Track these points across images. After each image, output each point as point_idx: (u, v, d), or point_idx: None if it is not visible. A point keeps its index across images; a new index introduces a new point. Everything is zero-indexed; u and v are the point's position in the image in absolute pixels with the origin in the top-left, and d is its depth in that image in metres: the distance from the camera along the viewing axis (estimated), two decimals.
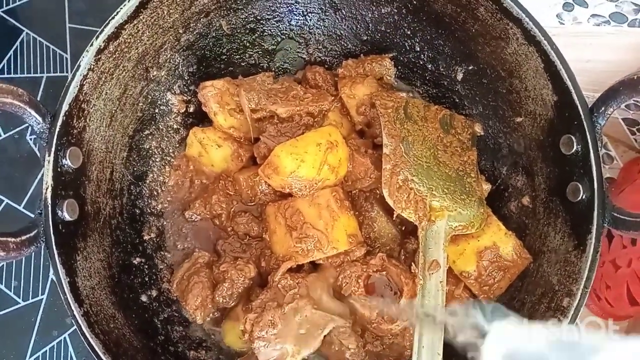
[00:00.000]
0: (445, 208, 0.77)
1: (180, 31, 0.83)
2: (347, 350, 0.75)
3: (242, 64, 0.93)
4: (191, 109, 0.91)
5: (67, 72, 1.07)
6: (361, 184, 0.82)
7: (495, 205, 0.84)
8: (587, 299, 0.67)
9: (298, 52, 0.95)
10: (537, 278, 0.76)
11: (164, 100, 0.87)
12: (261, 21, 0.91)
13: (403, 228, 0.85)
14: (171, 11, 0.78)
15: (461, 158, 0.82)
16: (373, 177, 0.80)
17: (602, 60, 1.03)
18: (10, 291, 0.95)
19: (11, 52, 1.07)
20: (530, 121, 0.78)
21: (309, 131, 0.81)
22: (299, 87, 0.87)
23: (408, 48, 0.90)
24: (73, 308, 0.65)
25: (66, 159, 0.68)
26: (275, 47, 0.94)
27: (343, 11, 0.90)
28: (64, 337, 0.93)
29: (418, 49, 0.90)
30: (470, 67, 0.86)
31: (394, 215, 0.79)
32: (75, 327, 0.65)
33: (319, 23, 0.93)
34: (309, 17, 0.92)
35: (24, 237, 0.63)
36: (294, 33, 0.93)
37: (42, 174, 0.66)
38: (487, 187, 0.85)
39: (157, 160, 0.89)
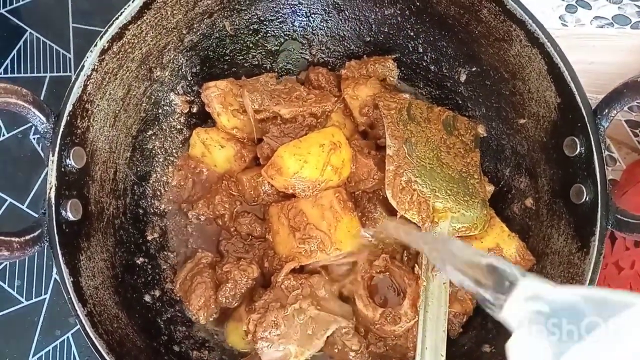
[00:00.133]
0: (448, 209, 0.77)
1: (184, 32, 0.83)
2: (350, 351, 0.75)
3: (245, 64, 0.93)
4: (194, 110, 0.91)
5: (70, 71, 1.07)
6: (364, 185, 0.82)
7: (498, 207, 0.84)
8: None
9: (301, 53, 0.96)
10: None
11: (168, 101, 0.88)
12: (264, 22, 0.91)
13: None
14: (175, 12, 0.78)
15: (464, 159, 0.82)
16: (376, 178, 0.80)
17: (605, 62, 1.04)
18: (14, 290, 0.95)
19: (15, 51, 1.08)
20: (534, 123, 0.78)
21: (312, 132, 0.81)
22: (302, 88, 0.87)
23: (411, 49, 0.90)
24: (77, 308, 0.65)
25: (70, 159, 0.68)
26: (278, 48, 0.94)
27: (346, 12, 0.90)
28: (67, 337, 0.93)
29: (421, 50, 0.90)
30: (473, 69, 0.86)
31: (397, 217, 0.79)
32: (78, 326, 0.65)
33: (322, 24, 0.93)
34: (312, 18, 0.92)
35: (27, 237, 0.63)
36: (297, 34, 0.94)
37: (46, 174, 0.66)
38: (490, 188, 0.85)
39: (161, 160, 0.89)
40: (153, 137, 0.87)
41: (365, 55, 0.93)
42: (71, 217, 0.67)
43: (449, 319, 0.75)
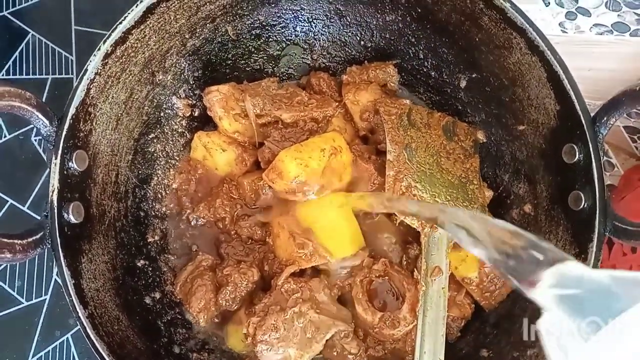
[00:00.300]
0: None
1: (187, 36, 0.83)
2: (349, 355, 0.76)
3: (247, 69, 0.94)
4: (196, 113, 0.91)
5: (72, 74, 1.07)
6: (364, 190, 0.82)
7: (497, 212, 0.85)
8: None
9: (303, 58, 0.96)
10: None
11: (170, 104, 0.88)
12: (266, 27, 0.91)
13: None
14: (178, 16, 0.79)
15: (464, 165, 0.83)
16: (376, 183, 0.81)
17: (604, 69, 1.04)
18: (14, 291, 0.95)
19: (17, 53, 1.08)
20: (533, 130, 0.79)
21: (313, 137, 0.82)
22: (303, 92, 0.88)
23: (412, 55, 0.91)
24: (78, 310, 0.65)
25: (72, 162, 0.69)
26: (280, 52, 0.95)
27: (348, 18, 0.91)
28: (67, 338, 0.93)
29: (422, 56, 0.90)
30: (473, 75, 0.86)
31: (397, 222, 0.80)
32: (78, 327, 0.66)
33: (323, 29, 0.93)
34: (314, 23, 0.92)
35: (30, 240, 0.63)
36: (299, 39, 0.94)
37: (47, 175, 0.67)
38: (489, 194, 0.85)
39: (162, 163, 0.89)
40: (155, 140, 0.88)
41: (366, 61, 0.93)
42: (73, 220, 0.68)
43: (447, 323, 0.75)
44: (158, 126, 0.88)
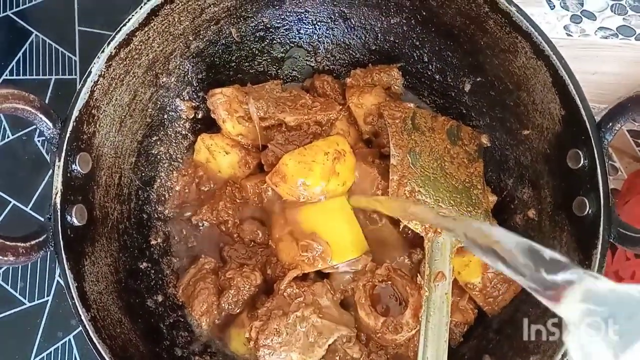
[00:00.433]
0: None
1: (191, 38, 0.83)
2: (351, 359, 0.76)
3: (251, 71, 0.94)
4: (199, 115, 0.91)
5: (75, 74, 1.07)
6: (368, 194, 0.82)
7: (500, 218, 0.85)
8: None
9: (306, 60, 0.96)
10: None
11: (173, 107, 0.88)
12: (270, 29, 0.91)
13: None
14: (182, 19, 0.79)
15: (468, 169, 0.83)
16: (380, 187, 0.81)
17: (609, 72, 1.04)
18: (16, 292, 0.95)
19: (20, 53, 1.08)
20: (537, 134, 0.79)
21: (317, 140, 0.81)
22: (307, 95, 0.87)
23: (416, 58, 0.91)
24: (80, 313, 0.65)
25: (76, 165, 0.69)
26: (284, 55, 0.95)
27: (352, 21, 0.91)
28: (69, 339, 0.93)
29: (426, 59, 0.90)
30: (478, 79, 0.86)
31: (401, 226, 0.79)
32: (80, 329, 0.66)
33: (328, 32, 0.93)
34: (319, 26, 0.92)
35: (33, 242, 0.63)
36: (303, 41, 0.94)
37: (50, 176, 0.67)
38: (493, 199, 0.85)
39: (165, 165, 0.89)
40: (158, 143, 0.88)
41: (370, 64, 0.93)
42: (76, 223, 0.68)
43: (450, 329, 0.75)
44: (161, 128, 0.87)
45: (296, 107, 0.84)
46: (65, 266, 0.65)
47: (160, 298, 0.83)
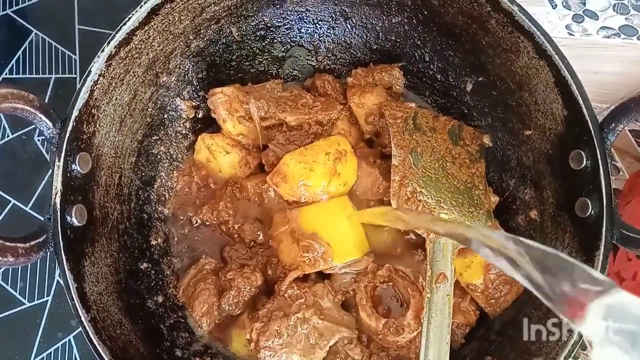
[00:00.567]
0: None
1: (191, 37, 0.83)
2: None
3: (252, 70, 0.93)
4: (200, 115, 0.91)
5: (75, 73, 1.07)
6: (369, 195, 0.82)
7: (502, 218, 0.84)
8: None
9: (307, 59, 0.96)
10: None
11: (173, 106, 0.88)
12: (271, 28, 0.91)
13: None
14: (182, 18, 0.78)
15: (469, 170, 0.82)
16: (381, 188, 0.80)
17: (610, 72, 1.04)
18: (16, 292, 0.95)
19: (20, 52, 1.07)
20: (540, 135, 0.78)
21: (318, 140, 0.81)
22: (308, 95, 0.87)
23: (418, 58, 0.90)
24: (81, 314, 0.65)
25: (75, 164, 0.68)
26: (284, 54, 0.94)
27: (353, 20, 0.90)
28: (69, 339, 0.93)
29: (428, 59, 0.90)
30: (479, 79, 0.86)
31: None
32: (80, 329, 0.66)
33: (329, 31, 0.93)
34: (320, 25, 0.92)
35: (32, 243, 0.63)
36: (304, 40, 0.94)
37: (50, 175, 0.66)
38: (495, 199, 0.85)
39: (165, 165, 0.89)
40: (158, 142, 0.87)
41: (371, 63, 0.93)
42: (76, 223, 0.67)
43: (451, 330, 0.74)
44: (162, 128, 0.87)
45: (297, 107, 0.84)
46: (65, 267, 0.64)
47: (160, 299, 0.82)
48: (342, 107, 0.87)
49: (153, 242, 0.85)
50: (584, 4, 1.06)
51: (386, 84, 0.90)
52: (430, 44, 0.88)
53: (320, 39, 0.94)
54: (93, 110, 0.71)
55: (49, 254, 0.65)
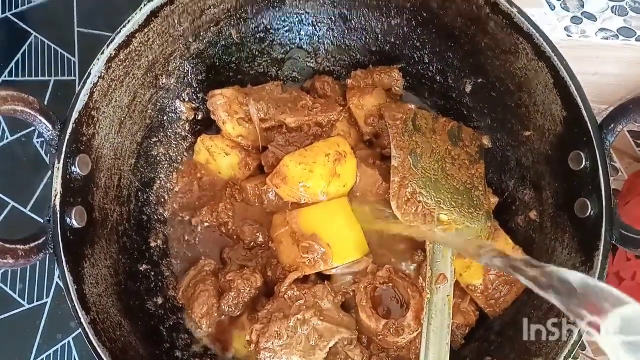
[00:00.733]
0: (453, 221, 0.77)
1: (191, 40, 0.83)
2: None
3: (251, 72, 0.93)
4: (199, 117, 0.91)
5: (74, 76, 1.07)
6: (369, 196, 0.82)
7: (502, 219, 0.85)
8: None
9: (307, 61, 0.96)
10: None
11: (173, 108, 0.88)
12: (271, 30, 0.91)
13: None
14: (182, 20, 0.79)
15: (469, 171, 0.83)
16: (381, 189, 0.80)
17: (609, 73, 1.04)
18: (15, 294, 0.95)
19: (19, 55, 1.08)
20: (539, 136, 0.78)
21: (318, 141, 0.81)
22: (308, 97, 0.87)
23: (417, 60, 0.91)
24: (80, 316, 0.65)
25: (75, 167, 0.68)
26: (284, 56, 0.95)
27: (353, 22, 0.91)
28: (68, 341, 0.93)
29: (427, 60, 0.90)
30: (479, 80, 0.86)
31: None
32: (79, 331, 0.65)
33: (328, 33, 0.93)
34: (319, 27, 0.92)
35: (32, 245, 0.63)
36: (304, 43, 0.94)
37: (49, 177, 0.66)
38: (494, 200, 0.85)
39: (165, 167, 0.89)
40: (158, 144, 0.87)
41: (371, 65, 0.93)
42: (76, 225, 0.67)
43: (451, 331, 0.74)
44: (161, 130, 0.87)
45: (297, 109, 0.84)
46: (65, 269, 0.64)
47: (160, 300, 0.82)
48: (341, 108, 0.87)
49: (153, 244, 0.85)
50: (583, 5, 1.06)
51: (386, 86, 0.91)
52: (429, 45, 0.88)
53: (320, 41, 0.94)
54: (93, 113, 0.71)
55: (48, 256, 0.64)
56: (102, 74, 0.71)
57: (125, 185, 0.81)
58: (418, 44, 0.89)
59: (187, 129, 0.90)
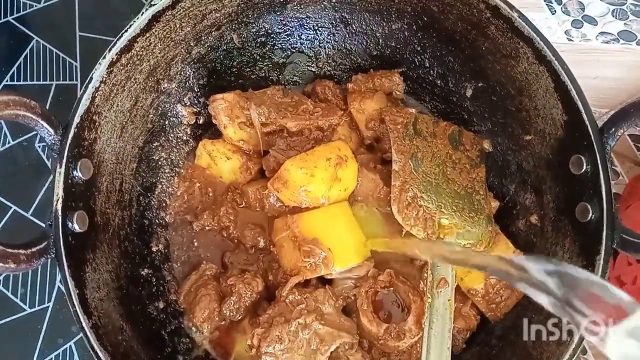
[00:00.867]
0: (454, 225, 0.77)
1: (192, 44, 0.83)
2: None
3: (252, 76, 0.94)
4: (201, 121, 0.91)
5: (76, 80, 1.07)
6: (370, 200, 0.82)
7: (503, 223, 0.85)
8: None
9: (308, 65, 0.96)
10: None
11: (174, 112, 0.88)
12: (272, 35, 0.91)
13: None
14: (183, 25, 0.79)
15: (470, 175, 0.83)
16: (382, 193, 0.81)
17: (609, 77, 1.04)
18: (17, 298, 0.95)
19: (21, 59, 1.08)
20: (540, 140, 0.78)
21: (319, 145, 0.81)
22: (309, 101, 0.87)
23: (418, 64, 0.91)
24: (82, 320, 0.64)
25: (77, 171, 0.68)
26: (285, 60, 0.95)
27: (353, 26, 0.91)
28: (70, 345, 0.92)
29: (428, 64, 0.90)
30: (479, 84, 0.86)
31: (403, 232, 0.79)
32: (81, 335, 0.65)
33: (329, 37, 0.93)
34: (320, 31, 0.92)
35: (34, 249, 0.63)
36: (305, 47, 0.94)
37: (50, 182, 0.66)
38: (495, 204, 0.85)
39: (166, 171, 0.89)
40: (159, 148, 0.87)
41: (371, 69, 0.93)
42: (77, 229, 0.67)
43: (452, 335, 0.74)
44: (162, 134, 0.87)
45: (298, 113, 0.84)
46: (67, 273, 0.64)
47: (161, 305, 0.82)
48: (342, 112, 0.87)
49: (154, 248, 0.85)
50: (583, 9, 1.06)
51: (386, 90, 0.91)
52: (430, 50, 0.88)
53: (321, 45, 0.94)
54: (94, 117, 0.71)
55: (49, 260, 0.64)
56: (104, 79, 0.71)
57: (127, 189, 0.81)
58: (419, 48, 0.89)
59: (189, 133, 0.90)
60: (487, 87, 0.85)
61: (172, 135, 0.89)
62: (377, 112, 0.87)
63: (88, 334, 0.65)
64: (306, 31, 0.92)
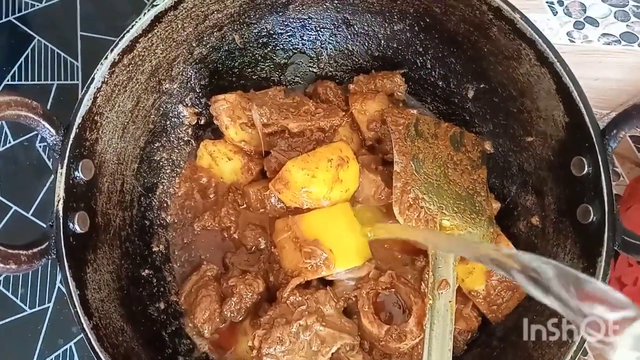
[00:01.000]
0: (455, 227, 0.77)
1: (194, 44, 0.83)
2: None
3: (254, 77, 0.94)
4: (202, 122, 0.91)
5: (77, 79, 1.07)
6: (371, 201, 0.82)
7: (504, 224, 0.85)
8: None
9: (309, 66, 0.96)
10: None
11: (176, 113, 0.88)
12: (274, 35, 0.91)
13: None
14: (185, 25, 0.79)
15: (471, 176, 0.83)
16: (383, 194, 0.81)
17: (611, 78, 1.04)
18: (17, 299, 0.94)
19: (22, 59, 1.08)
20: (541, 141, 0.78)
21: (320, 147, 0.81)
22: (310, 102, 0.87)
23: (419, 65, 0.91)
24: (83, 321, 0.64)
25: (78, 171, 0.68)
26: (286, 61, 0.95)
27: (355, 27, 0.91)
28: (70, 346, 0.92)
29: (429, 66, 0.90)
30: (481, 86, 0.86)
31: None
32: (81, 336, 0.65)
33: (331, 38, 0.93)
34: (322, 32, 0.92)
35: (35, 250, 0.63)
36: (306, 47, 0.94)
37: (51, 182, 0.66)
38: (496, 205, 0.85)
39: (167, 171, 0.89)
40: (160, 149, 0.87)
41: (373, 70, 0.93)
42: (78, 230, 0.67)
43: (453, 336, 0.74)
44: (164, 134, 0.87)
45: (299, 114, 0.84)
46: (68, 274, 0.64)
47: (162, 305, 0.82)
48: (344, 113, 0.87)
49: (155, 249, 0.85)
50: (585, 11, 1.06)
51: (388, 91, 0.91)
52: (432, 51, 0.88)
53: (322, 46, 0.94)
54: (96, 117, 0.71)
55: (50, 260, 0.64)
56: (106, 79, 0.71)
57: (128, 190, 0.81)
58: (420, 49, 0.89)
59: (190, 133, 0.90)
60: (489, 88, 0.85)
61: (173, 135, 0.89)
62: (378, 113, 0.86)
63: (89, 334, 0.65)
64: (308, 32, 0.92)
